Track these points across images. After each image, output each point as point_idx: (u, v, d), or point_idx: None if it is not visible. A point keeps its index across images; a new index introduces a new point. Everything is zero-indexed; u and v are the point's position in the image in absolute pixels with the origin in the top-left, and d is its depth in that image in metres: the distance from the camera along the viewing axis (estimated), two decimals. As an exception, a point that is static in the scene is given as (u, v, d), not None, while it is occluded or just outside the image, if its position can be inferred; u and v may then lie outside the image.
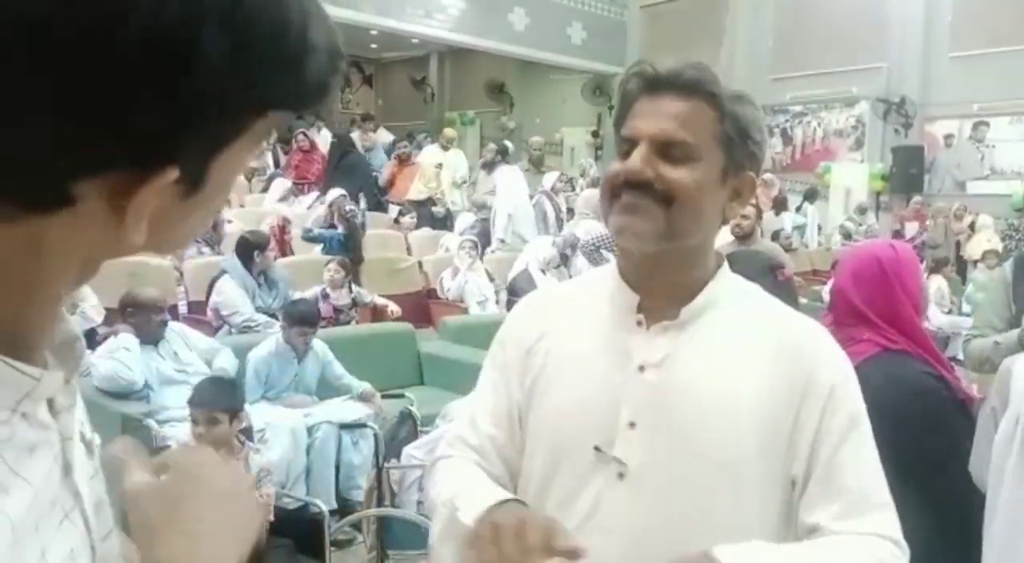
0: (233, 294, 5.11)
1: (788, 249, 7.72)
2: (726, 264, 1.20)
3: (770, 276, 1.82)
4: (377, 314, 5.88)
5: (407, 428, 3.63)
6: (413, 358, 5.26)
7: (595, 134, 15.23)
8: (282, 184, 8.94)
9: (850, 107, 12.88)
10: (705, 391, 1.10)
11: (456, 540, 1.07)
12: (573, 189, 9.76)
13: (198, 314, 5.31)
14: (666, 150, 1.09)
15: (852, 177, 12.59)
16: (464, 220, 8.29)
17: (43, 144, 0.44)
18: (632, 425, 1.11)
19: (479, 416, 1.25)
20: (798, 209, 11.38)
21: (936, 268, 8.42)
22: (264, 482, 2.93)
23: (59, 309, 0.55)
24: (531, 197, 8.35)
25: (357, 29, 13.02)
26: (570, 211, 8.91)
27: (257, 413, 3.73)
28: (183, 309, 5.50)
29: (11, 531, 0.48)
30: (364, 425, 4.02)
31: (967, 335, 2.90)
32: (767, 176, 11.04)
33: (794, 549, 1.08)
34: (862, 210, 11.46)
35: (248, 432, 3.32)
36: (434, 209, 9.07)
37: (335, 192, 6.98)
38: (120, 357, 3.82)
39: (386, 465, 3.37)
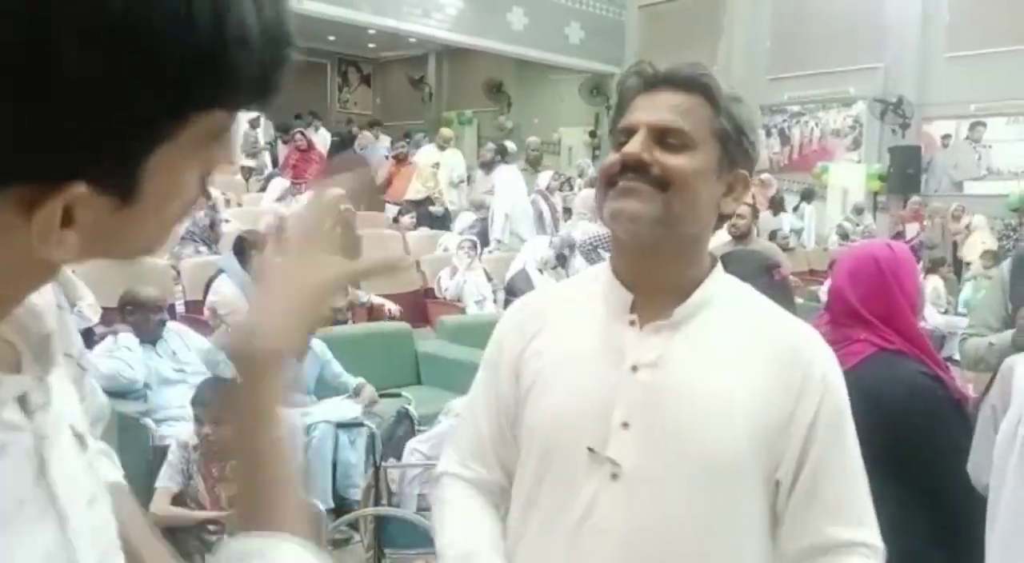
0: (230, 293, 5.10)
1: (785, 249, 7.73)
2: (720, 265, 1.20)
3: (766, 276, 1.82)
4: (374, 313, 5.88)
5: (404, 427, 3.63)
6: (410, 357, 5.26)
7: (593, 134, 15.22)
8: (280, 184, 8.93)
9: (847, 107, 12.89)
10: (699, 392, 1.10)
11: None
12: (571, 189, 9.76)
13: (195, 314, 5.31)
14: (663, 138, 1.11)
15: (849, 177, 12.60)
16: (463, 220, 8.29)
17: None
18: (625, 425, 1.11)
19: (479, 418, 1.26)
20: (795, 209, 11.39)
21: (933, 268, 8.45)
22: None
23: (13, 310, 0.54)
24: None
25: (355, 28, 13.04)
26: (567, 211, 8.92)
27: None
28: (180, 308, 5.50)
29: None
30: (361, 424, 4.02)
31: (963, 334, 2.91)
32: (764, 176, 11.06)
33: None
34: (859, 210, 11.47)
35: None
36: (432, 209, 9.07)
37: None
38: (122, 356, 3.82)
39: (383, 464, 3.37)
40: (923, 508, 1.78)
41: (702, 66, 1.15)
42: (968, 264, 9.62)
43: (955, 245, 10.59)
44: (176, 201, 0.53)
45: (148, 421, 3.59)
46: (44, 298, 0.59)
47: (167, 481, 3.19)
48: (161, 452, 3.36)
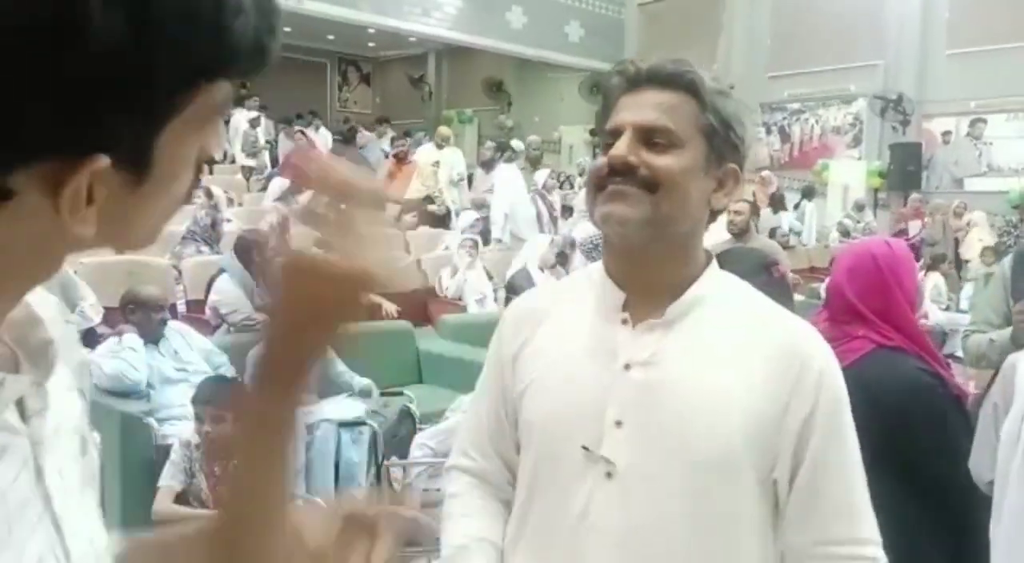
0: (232, 293, 5.11)
1: (786, 246, 7.73)
2: (715, 262, 1.20)
3: (764, 273, 1.82)
4: (372, 313, 5.88)
5: (406, 426, 3.65)
6: (412, 356, 5.26)
7: (593, 132, 15.19)
8: (280, 183, 8.93)
9: (848, 104, 12.88)
10: (693, 389, 1.10)
11: None
12: (572, 187, 9.76)
13: (197, 313, 5.32)
14: (649, 137, 1.10)
15: (850, 174, 12.58)
16: (465, 218, 8.29)
17: None
18: (619, 424, 1.11)
19: (481, 411, 1.28)
20: (796, 207, 11.38)
21: (934, 265, 8.44)
22: None
23: (17, 306, 0.54)
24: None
25: (355, 27, 13.05)
26: (567, 209, 8.92)
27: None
28: (182, 308, 5.50)
29: None
30: (363, 423, 4.03)
31: (966, 331, 2.91)
32: (765, 173, 11.06)
33: None
34: (860, 207, 11.46)
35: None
36: (432, 207, 9.07)
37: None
38: (126, 357, 3.82)
39: (386, 463, 3.38)
40: (923, 506, 1.78)
41: (685, 62, 1.14)
42: (967, 261, 9.61)
43: (956, 242, 10.58)
44: (181, 180, 0.54)
45: (151, 420, 3.60)
46: (48, 312, 0.59)
47: (170, 480, 3.20)
48: (164, 451, 3.37)
